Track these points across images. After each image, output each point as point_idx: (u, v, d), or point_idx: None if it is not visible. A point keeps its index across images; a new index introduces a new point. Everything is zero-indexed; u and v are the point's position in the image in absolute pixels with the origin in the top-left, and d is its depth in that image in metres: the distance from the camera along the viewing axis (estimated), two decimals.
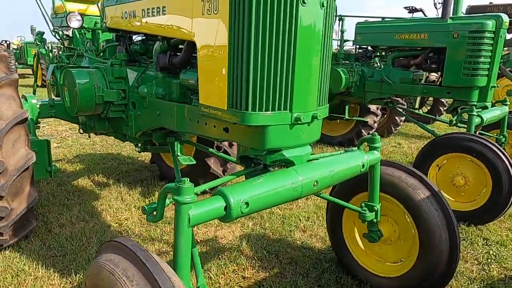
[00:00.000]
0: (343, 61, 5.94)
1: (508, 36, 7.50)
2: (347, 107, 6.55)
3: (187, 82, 2.42)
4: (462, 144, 3.95)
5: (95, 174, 5.25)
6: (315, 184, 2.06)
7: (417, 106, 9.67)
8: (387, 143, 7.45)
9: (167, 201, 1.83)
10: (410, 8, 7.47)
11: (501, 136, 5.16)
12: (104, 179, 5.09)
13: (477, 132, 4.95)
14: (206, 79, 2.10)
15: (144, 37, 3.12)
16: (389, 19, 5.42)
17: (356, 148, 2.54)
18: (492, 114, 4.56)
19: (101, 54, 3.44)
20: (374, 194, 2.61)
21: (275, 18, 1.79)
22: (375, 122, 6.81)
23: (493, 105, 5.13)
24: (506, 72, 7.49)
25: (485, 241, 3.70)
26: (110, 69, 2.98)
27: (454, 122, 4.32)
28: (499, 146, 3.86)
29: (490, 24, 4.35)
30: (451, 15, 4.78)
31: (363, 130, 6.81)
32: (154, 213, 1.83)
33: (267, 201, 1.87)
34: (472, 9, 7.64)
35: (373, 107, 6.69)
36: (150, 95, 2.72)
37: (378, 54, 5.65)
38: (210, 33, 2.01)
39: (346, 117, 6.57)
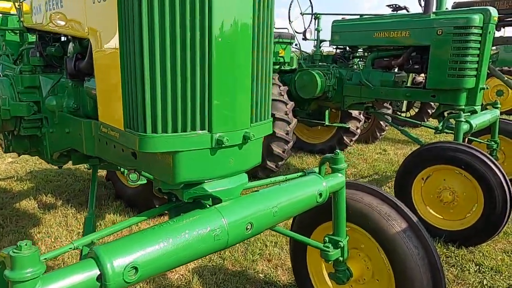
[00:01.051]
0: (320, 63, 5.45)
1: (497, 34, 7.08)
2: (327, 112, 6.05)
3: (90, 92, 1.91)
4: (448, 155, 3.47)
5: (43, 194, 4.69)
6: (249, 227, 1.55)
7: (404, 109, 9.26)
8: (372, 150, 6.97)
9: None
10: (394, 6, 7.03)
11: (493, 142, 4.70)
12: (52, 200, 4.53)
13: (466, 140, 4.47)
14: (102, 89, 1.58)
15: (64, 38, 2.59)
16: (368, 16, 4.94)
17: (314, 170, 2.02)
18: (482, 119, 4.08)
19: (19, 59, 2.91)
20: (339, 227, 2.09)
21: (178, 8, 1.29)
22: (357, 128, 6.32)
23: (483, 108, 4.68)
24: (495, 72, 7.06)
25: (477, 267, 3.21)
26: (19, 77, 2.43)
27: (440, 129, 3.83)
28: (490, 157, 3.38)
29: (477, 18, 3.88)
30: (434, 10, 4.32)
31: (345, 137, 6.32)
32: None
33: (170, 261, 1.33)
34: (458, 5, 7.23)
35: (355, 112, 6.21)
36: (60, 109, 2.19)
37: (357, 54, 5.16)
38: (100, 27, 1.49)
39: (326, 123, 6.07)
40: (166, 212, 1.83)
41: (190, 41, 1.33)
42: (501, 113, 11.94)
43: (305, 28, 5.44)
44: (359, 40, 4.81)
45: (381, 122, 7.12)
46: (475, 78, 4.05)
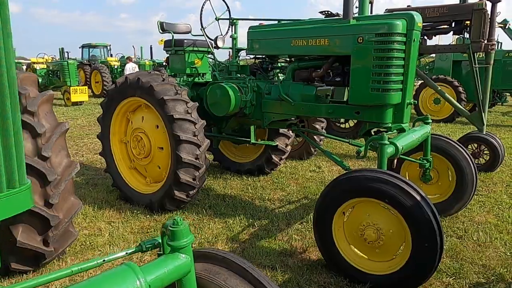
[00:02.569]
0: (237, 75, 4.80)
1: (433, 42, 6.81)
2: (252, 129, 5.40)
3: None
4: (369, 186, 2.90)
5: None
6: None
7: (342, 120, 8.87)
8: (306, 168, 6.42)
9: None
10: (326, 12, 6.57)
11: (425, 161, 4.26)
12: None
13: (395, 162, 3.98)
14: None
15: None
16: (286, 21, 4.36)
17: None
18: (410, 138, 3.58)
19: None
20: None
21: None
22: (287, 145, 5.73)
23: (414, 124, 4.23)
24: (428, 81, 6.78)
25: None
26: None
27: (362, 153, 3.26)
28: (418, 188, 2.85)
29: (400, 24, 3.39)
30: (356, 14, 3.81)
31: (273, 156, 5.70)
32: None
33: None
34: (389, 12, 6.94)
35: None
36: None
37: (278, 65, 4.56)
38: None
39: (252, 140, 5.41)
40: None
41: None
42: (439, 121, 12.06)
43: (220, 34, 4.77)
44: (277, 48, 4.21)
45: (315, 136, 6.60)
46: (400, 92, 3.56)
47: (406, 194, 2.76)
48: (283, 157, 5.79)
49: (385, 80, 3.44)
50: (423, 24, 6.88)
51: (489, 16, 5.98)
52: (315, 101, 4.02)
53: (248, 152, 6.10)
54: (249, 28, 4.47)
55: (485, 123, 6.25)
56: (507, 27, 11.01)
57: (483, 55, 6.37)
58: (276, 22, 4.42)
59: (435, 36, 6.70)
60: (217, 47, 4.78)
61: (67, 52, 21.99)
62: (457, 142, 4.33)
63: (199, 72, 5.03)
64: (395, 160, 3.90)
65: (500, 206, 4.77)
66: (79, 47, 23.22)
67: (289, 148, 5.80)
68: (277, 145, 5.56)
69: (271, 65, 4.50)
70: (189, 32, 5.28)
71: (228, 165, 6.19)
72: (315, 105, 3.98)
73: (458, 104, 6.59)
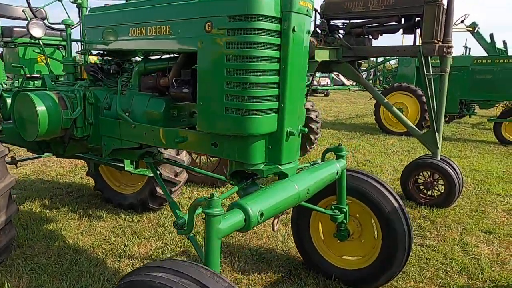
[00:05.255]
0: (74, 79, 3.33)
1: (375, 43, 5.50)
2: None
3: None
4: None
5: None
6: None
7: None
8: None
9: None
10: None
11: (338, 212, 2.94)
12: None
13: (276, 224, 2.57)
14: None
15: None
16: (132, 1, 2.93)
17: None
18: (290, 190, 2.21)
19: None
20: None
21: None
22: (177, 174, 4.29)
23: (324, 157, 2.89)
24: (373, 91, 5.45)
25: None
26: None
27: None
28: None
29: (267, 2, 2.01)
30: None
31: (158, 188, 4.27)
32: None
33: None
34: (327, 4, 5.59)
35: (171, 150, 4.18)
36: None
37: (127, 66, 3.10)
38: None
39: (126, 168, 3.96)
40: None
41: None
42: (401, 134, 10.79)
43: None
44: (114, 41, 2.77)
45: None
46: (275, 114, 2.18)
47: None
48: (173, 189, 4.35)
49: (246, 94, 2.05)
50: (365, 20, 5.60)
51: (445, 11, 4.70)
52: (165, 123, 2.60)
53: (135, 180, 4.66)
54: (89, 11, 3.03)
55: (439, 146, 4.96)
56: (476, 30, 9.88)
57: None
58: (124, 0, 2.98)
59: (381, 35, 5.39)
60: (32, 37, 3.31)
61: None
62: (384, 184, 2.99)
63: (41, 72, 3.55)
64: (276, 224, 2.52)
65: (448, 269, 3.45)
66: None
67: (182, 177, 4.36)
68: (160, 174, 4.11)
69: (115, 65, 3.04)
70: (35, 18, 3.79)
71: (109, 195, 4.73)
72: (166, 130, 2.56)
73: (406, 120, 5.28)
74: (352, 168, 3.08)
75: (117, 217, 4.33)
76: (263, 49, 2.04)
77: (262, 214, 1.93)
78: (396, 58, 12.12)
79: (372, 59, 13.66)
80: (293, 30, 2.07)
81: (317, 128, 7.36)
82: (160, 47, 2.47)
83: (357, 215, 3.11)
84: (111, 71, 3.00)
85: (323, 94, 24.51)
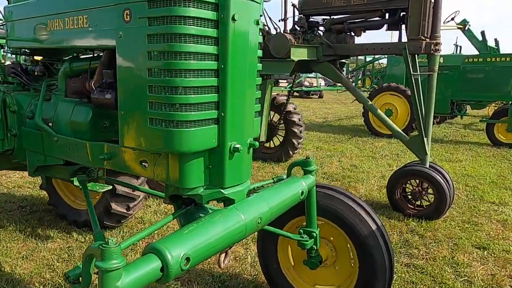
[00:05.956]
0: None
1: (358, 40, 5.07)
2: None
3: None
4: None
5: None
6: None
7: (263, 138, 7.05)
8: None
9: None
10: None
11: (305, 237, 2.52)
12: None
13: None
14: None
15: None
16: None
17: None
18: (231, 224, 1.77)
19: None
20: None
21: None
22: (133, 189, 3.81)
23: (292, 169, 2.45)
24: (356, 93, 5.02)
25: None
26: None
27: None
28: None
29: None
30: None
31: (114, 204, 3.79)
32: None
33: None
34: (305, 0, 5.13)
35: None
36: None
37: (57, 66, 2.64)
38: None
39: (75, 182, 3.48)
40: None
41: None
42: (391, 136, 10.30)
43: None
44: (34, 38, 2.31)
45: None
46: (215, 126, 1.73)
47: None
48: (131, 204, 3.88)
49: (175, 101, 1.60)
50: (347, 15, 5.18)
51: (433, 5, 4.29)
52: (92, 136, 2.15)
53: (90, 194, 4.16)
54: (9, 3, 2.57)
55: (428, 152, 4.55)
56: (467, 28, 9.51)
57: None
58: None
59: (364, 31, 4.97)
60: None
61: None
62: (361, 202, 2.55)
63: None
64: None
65: None
66: None
67: (140, 193, 3.90)
68: (114, 189, 3.65)
69: (42, 66, 2.58)
70: None
71: (63, 211, 4.24)
72: (86, 143, 2.10)
73: (392, 124, 4.85)
74: (324, 184, 2.64)
75: (68, 237, 3.86)
76: (194, 43, 1.59)
77: (188, 259, 1.47)
78: (385, 57, 11.73)
79: (360, 57, 13.29)
80: (233, 19, 1.63)
81: (300, 132, 6.93)
82: (78, 43, 2.01)
83: (331, 238, 2.68)
84: (36, 73, 2.53)
85: (317, 96, 23.93)
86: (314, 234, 2.49)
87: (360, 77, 14.32)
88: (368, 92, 11.12)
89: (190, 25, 1.57)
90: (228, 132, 1.73)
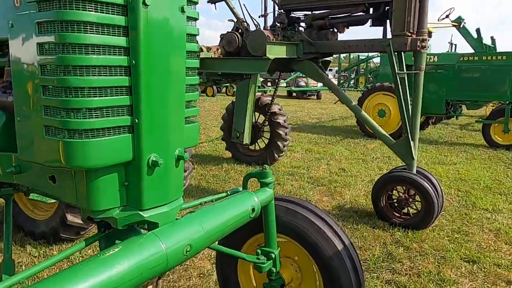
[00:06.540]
0: None
1: (341, 37, 4.76)
2: None
3: None
4: None
5: None
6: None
7: (247, 141, 6.75)
8: None
9: None
10: None
11: (262, 258, 2.21)
12: None
13: None
14: None
15: None
16: None
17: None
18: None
19: None
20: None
21: None
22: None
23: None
24: (339, 93, 4.70)
25: None
26: None
27: None
28: None
29: None
30: None
31: (69, 215, 3.49)
32: None
33: None
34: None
35: None
36: None
37: None
38: None
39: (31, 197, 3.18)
40: None
41: None
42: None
43: None
44: None
45: None
46: (129, 135, 1.42)
47: None
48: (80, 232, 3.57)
49: (74, 105, 1.30)
50: (328, 10, 4.87)
51: None
52: (5, 145, 1.84)
53: (48, 205, 3.87)
54: None
55: (415, 157, 4.24)
56: (462, 25, 9.20)
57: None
58: None
59: (347, 27, 4.66)
60: None
61: None
62: (326, 217, 2.24)
63: None
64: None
65: None
66: None
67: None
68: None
69: None
70: None
71: (20, 221, 3.94)
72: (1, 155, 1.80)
73: (377, 127, 4.54)
74: (283, 196, 2.33)
75: (20, 251, 3.55)
76: (96, 33, 1.28)
77: None
78: (378, 56, 11.41)
79: (353, 56, 12.96)
80: (144, 3, 1.32)
81: (286, 134, 6.61)
82: None
83: (296, 258, 2.37)
84: None
85: (315, 97, 23.42)
86: (273, 255, 2.18)
87: (353, 77, 13.98)
88: (361, 92, 10.80)
89: (89, 10, 1.26)
90: (144, 142, 1.42)
